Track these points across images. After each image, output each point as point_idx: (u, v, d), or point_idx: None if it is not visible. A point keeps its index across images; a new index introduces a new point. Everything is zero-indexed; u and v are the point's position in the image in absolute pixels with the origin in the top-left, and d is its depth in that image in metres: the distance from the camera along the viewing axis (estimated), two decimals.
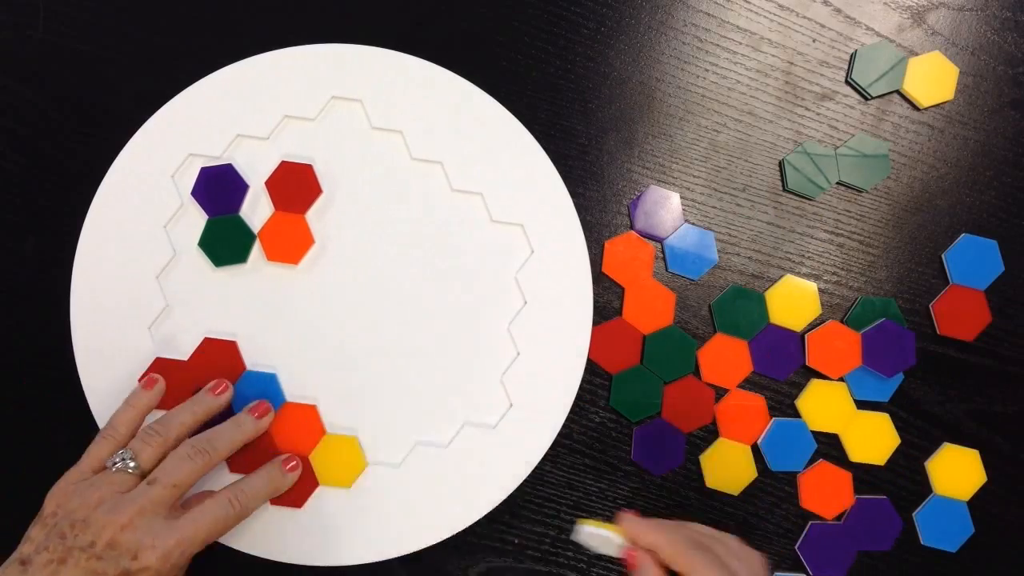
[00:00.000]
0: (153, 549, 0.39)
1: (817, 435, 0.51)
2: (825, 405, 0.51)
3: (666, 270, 0.51)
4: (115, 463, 0.42)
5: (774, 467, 0.51)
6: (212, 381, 0.47)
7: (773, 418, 0.51)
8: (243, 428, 0.46)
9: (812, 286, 0.51)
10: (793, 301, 0.51)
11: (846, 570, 0.51)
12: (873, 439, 0.51)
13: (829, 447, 0.52)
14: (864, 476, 0.52)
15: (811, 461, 0.51)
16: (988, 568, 0.52)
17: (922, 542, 0.52)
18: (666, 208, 0.50)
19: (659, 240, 0.50)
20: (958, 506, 0.51)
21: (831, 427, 0.51)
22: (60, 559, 0.39)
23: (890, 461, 0.52)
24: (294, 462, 0.47)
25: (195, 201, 0.48)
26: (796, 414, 0.51)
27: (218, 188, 0.48)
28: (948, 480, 0.51)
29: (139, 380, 0.47)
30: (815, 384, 0.51)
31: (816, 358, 0.50)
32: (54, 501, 0.41)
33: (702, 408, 0.50)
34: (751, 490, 0.51)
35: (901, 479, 0.52)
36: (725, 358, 0.50)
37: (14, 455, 0.50)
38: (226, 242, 0.48)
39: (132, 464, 0.42)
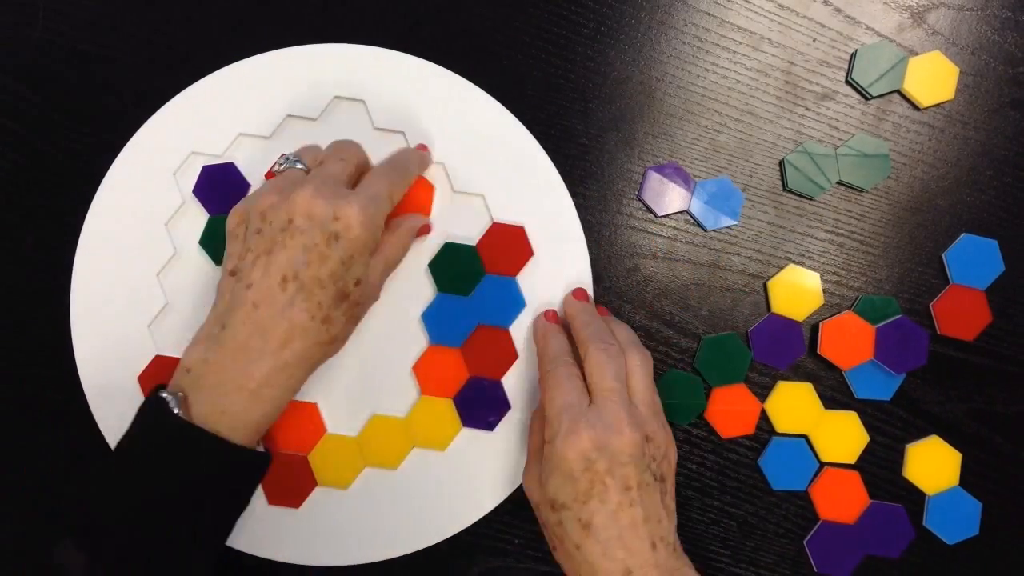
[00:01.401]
0: (349, 205, 0.39)
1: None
2: (793, 406, 0.51)
3: (704, 230, 0.51)
4: (281, 164, 0.43)
5: (775, 486, 0.51)
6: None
7: (772, 437, 0.51)
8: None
9: (815, 276, 0.51)
10: (796, 290, 0.51)
11: (850, 571, 0.51)
12: (843, 438, 0.51)
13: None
14: (870, 478, 0.52)
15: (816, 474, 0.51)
16: (988, 568, 0.52)
17: (924, 523, 0.52)
18: (673, 181, 0.50)
19: (684, 212, 0.51)
20: (973, 505, 0.51)
21: (800, 428, 0.51)
22: (267, 250, 0.39)
23: (892, 461, 0.52)
24: (424, 148, 0.48)
25: (196, 199, 0.48)
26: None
27: (220, 186, 0.48)
28: (921, 470, 0.51)
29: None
30: (782, 386, 0.51)
31: (828, 347, 0.50)
32: (235, 217, 0.42)
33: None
34: (751, 491, 0.51)
35: (901, 479, 0.52)
36: (734, 408, 0.51)
37: (14, 455, 0.50)
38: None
39: (299, 164, 0.43)
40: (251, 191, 0.46)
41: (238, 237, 0.42)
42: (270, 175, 0.45)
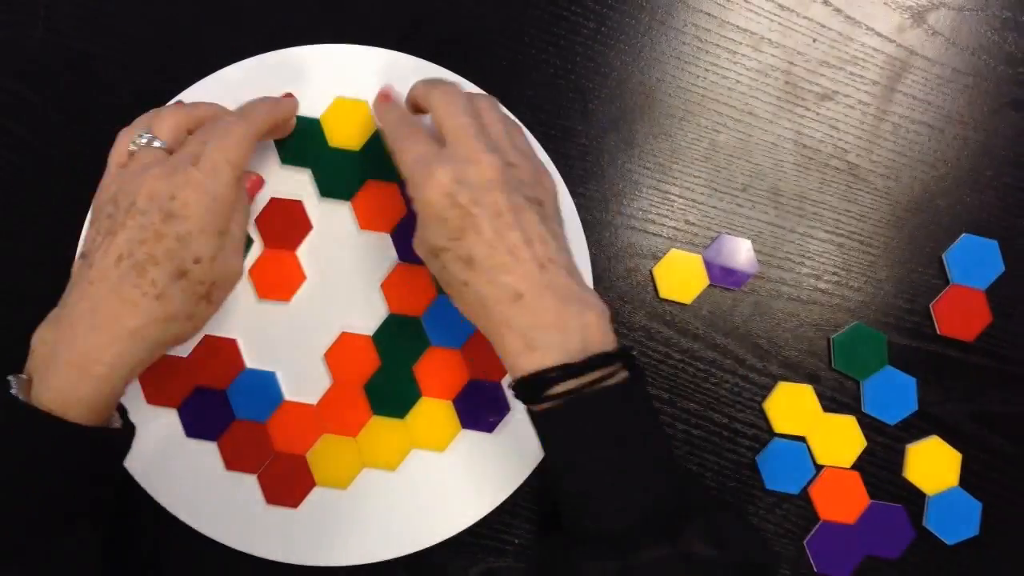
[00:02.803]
0: (187, 184, 0.39)
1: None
2: (792, 407, 0.51)
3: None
4: (137, 144, 0.42)
5: (769, 486, 0.51)
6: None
7: (773, 438, 0.51)
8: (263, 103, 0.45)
9: (697, 257, 0.51)
10: (681, 274, 0.51)
11: (850, 571, 0.51)
12: (840, 441, 0.51)
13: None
14: (871, 478, 0.51)
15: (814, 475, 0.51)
16: (988, 568, 0.52)
17: (924, 523, 0.52)
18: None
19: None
20: (973, 505, 0.51)
21: (798, 430, 0.51)
22: (111, 231, 0.40)
23: (892, 462, 0.52)
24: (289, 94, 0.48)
25: None
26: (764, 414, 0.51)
27: None
28: (921, 470, 0.51)
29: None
30: (782, 387, 0.51)
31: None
32: (97, 203, 0.42)
33: None
34: (753, 491, 0.51)
35: (901, 479, 0.52)
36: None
37: None
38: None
39: (156, 142, 0.42)
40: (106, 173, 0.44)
41: (95, 222, 0.42)
42: (125, 157, 0.43)
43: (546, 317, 0.38)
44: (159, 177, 0.40)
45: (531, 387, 0.38)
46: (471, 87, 0.49)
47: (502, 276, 0.38)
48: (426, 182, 0.39)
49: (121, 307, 0.39)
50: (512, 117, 0.46)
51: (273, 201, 0.49)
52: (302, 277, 0.49)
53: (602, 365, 0.37)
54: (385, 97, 0.46)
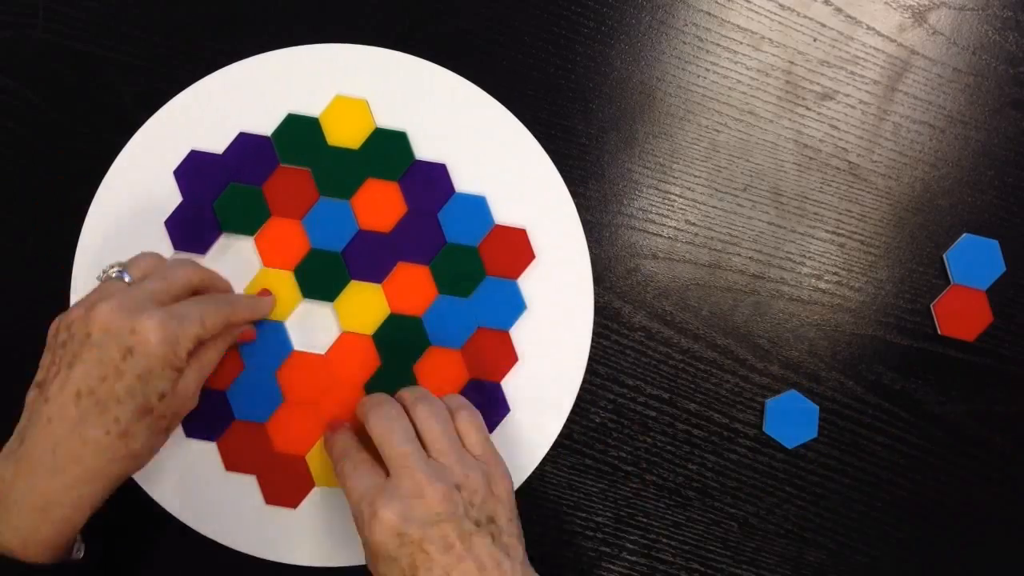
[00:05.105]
0: (150, 319, 0.39)
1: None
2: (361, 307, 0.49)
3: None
4: (106, 272, 0.42)
5: (790, 444, 0.51)
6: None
7: (766, 399, 0.51)
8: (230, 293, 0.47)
9: (362, 101, 0.49)
10: (346, 120, 0.49)
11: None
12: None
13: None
14: (873, 478, 0.51)
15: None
16: (988, 569, 0.52)
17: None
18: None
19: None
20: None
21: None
22: (68, 364, 0.39)
23: (893, 462, 0.52)
24: (267, 293, 0.48)
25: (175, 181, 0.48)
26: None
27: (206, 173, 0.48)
28: None
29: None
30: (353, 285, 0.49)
31: None
32: (52, 327, 0.42)
33: None
34: (752, 491, 0.51)
35: (899, 478, 0.52)
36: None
37: None
38: (241, 211, 0.48)
39: (127, 277, 0.42)
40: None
41: (51, 348, 0.41)
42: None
43: None
44: (119, 310, 0.39)
45: None
46: (475, 90, 0.49)
47: None
48: (372, 522, 0.38)
49: (83, 448, 0.38)
50: (459, 400, 0.46)
51: (280, 169, 0.49)
52: (306, 247, 0.49)
53: None
54: (331, 428, 0.46)
